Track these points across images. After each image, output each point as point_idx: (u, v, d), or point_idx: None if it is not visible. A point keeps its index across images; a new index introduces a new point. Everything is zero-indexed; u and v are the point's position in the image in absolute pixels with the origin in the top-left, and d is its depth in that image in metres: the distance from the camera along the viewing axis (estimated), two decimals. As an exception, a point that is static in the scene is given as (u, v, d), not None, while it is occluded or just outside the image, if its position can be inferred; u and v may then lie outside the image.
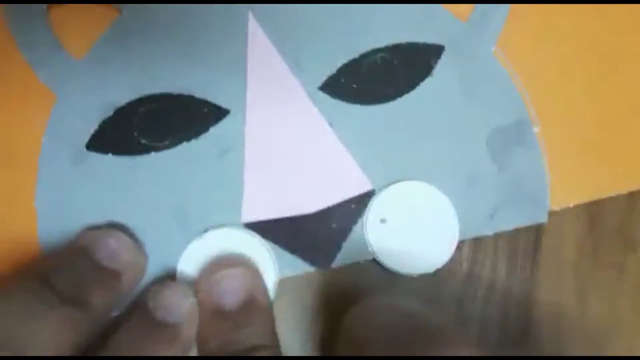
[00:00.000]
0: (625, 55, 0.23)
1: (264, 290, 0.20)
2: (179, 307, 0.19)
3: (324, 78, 0.22)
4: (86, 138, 0.20)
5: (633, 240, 0.22)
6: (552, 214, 0.22)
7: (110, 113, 0.21)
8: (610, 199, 0.22)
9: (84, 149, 0.20)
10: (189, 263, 0.20)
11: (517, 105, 0.22)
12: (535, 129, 0.22)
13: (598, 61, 0.23)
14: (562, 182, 0.22)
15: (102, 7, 0.21)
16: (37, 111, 0.20)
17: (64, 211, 0.20)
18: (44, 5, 0.20)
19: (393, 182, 0.21)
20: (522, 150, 0.22)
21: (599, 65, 0.23)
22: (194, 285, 0.20)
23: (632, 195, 0.22)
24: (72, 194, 0.20)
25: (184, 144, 0.21)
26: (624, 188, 0.23)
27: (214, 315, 0.19)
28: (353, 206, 0.21)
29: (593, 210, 0.22)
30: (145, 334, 0.18)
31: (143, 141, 0.21)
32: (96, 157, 0.20)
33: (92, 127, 0.21)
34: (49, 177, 0.20)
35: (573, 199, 0.22)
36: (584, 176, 0.22)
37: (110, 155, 0.21)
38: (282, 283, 0.21)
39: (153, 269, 0.20)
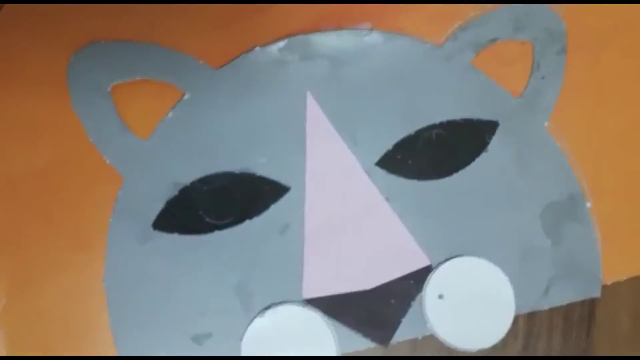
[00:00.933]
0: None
1: None
2: None
3: (380, 154, 0.22)
4: (152, 217, 0.21)
5: (684, 313, 0.23)
6: (605, 287, 0.22)
7: (176, 193, 0.21)
8: (662, 271, 0.23)
9: (151, 228, 0.21)
10: (253, 341, 0.21)
11: (570, 181, 0.23)
12: (588, 204, 0.22)
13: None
14: (615, 256, 0.22)
15: (166, 88, 0.21)
16: (105, 193, 0.21)
17: (132, 289, 0.21)
18: (109, 87, 0.21)
19: (450, 258, 0.22)
20: (575, 225, 0.22)
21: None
22: None
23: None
24: (140, 272, 0.21)
25: (246, 221, 0.21)
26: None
27: None
28: (411, 282, 0.22)
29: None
30: None
31: (207, 219, 0.21)
32: (162, 236, 0.21)
33: (158, 207, 0.21)
34: (117, 257, 0.21)
35: (626, 273, 0.22)
36: (635, 250, 0.23)
37: (176, 234, 0.21)
38: (343, 360, 0.21)
39: (216, 347, 0.21)
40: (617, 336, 0.22)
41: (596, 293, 0.22)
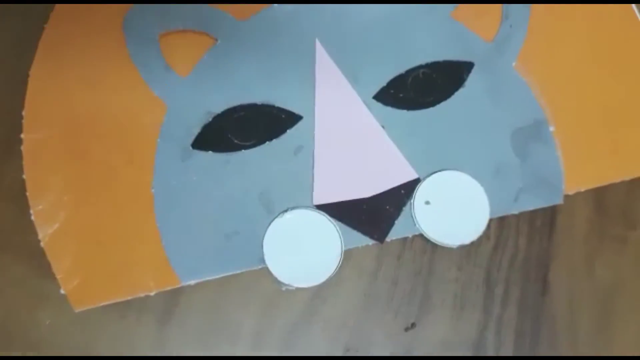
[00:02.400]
0: (629, 60, 0.27)
1: None
2: None
3: (377, 89, 0.26)
4: (191, 139, 0.25)
5: (633, 220, 0.26)
6: (565, 197, 0.26)
7: (210, 119, 0.25)
8: (615, 184, 0.26)
9: (190, 148, 0.25)
10: (273, 237, 0.25)
11: (535, 109, 0.26)
12: (551, 128, 0.26)
13: (604, 67, 0.27)
14: (574, 171, 0.26)
15: (202, 36, 0.26)
16: (153, 119, 0.25)
17: (175, 197, 0.25)
18: (156, 35, 0.25)
19: (435, 172, 0.25)
20: (540, 145, 0.26)
21: (605, 71, 0.27)
22: None
23: (632, 182, 0.26)
24: (181, 182, 0.25)
25: (267, 143, 0.25)
26: (626, 176, 0.26)
27: None
28: (402, 191, 0.25)
29: (600, 194, 0.26)
30: None
31: (235, 141, 0.25)
32: (199, 154, 0.25)
33: (196, 130, 0.25)
34: (163, 170, 0.25)
35: (584, 185, 0.26)
36: (592, 166, 0.26)
37: (210, 152, 0.25)
38: (347, 253, 0.25)
39: (243, 243, 0.25)
40: (574, 239, 0.26)
41: (558, 200, 0.26)
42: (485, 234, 0.25)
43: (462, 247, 0.25)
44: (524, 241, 0.26)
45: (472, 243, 0.25)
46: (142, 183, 0.25)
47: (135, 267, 0.24)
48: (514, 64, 0.27)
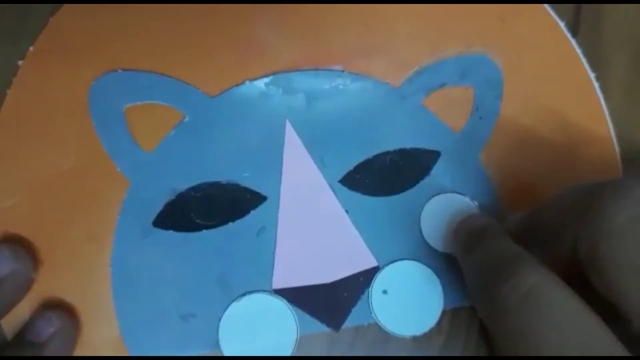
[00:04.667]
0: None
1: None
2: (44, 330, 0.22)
3: (343, 173, 0.25)
4: (153, 217, 0.24)
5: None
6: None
7: (173, 197, 0.24)
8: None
9: (151, 226, 0.24)
10: (229, 321, 0.24)
11: (492, 202, 0.26)
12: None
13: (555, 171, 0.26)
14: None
15: (170, 111, 0.24)
16: (115, 194, 0.24)
17: (132, 275, 0.24)
18: (123, 108, 0.24)
19: (394, 260, 0.25)
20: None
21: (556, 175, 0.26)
22: None
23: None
24: (140, 260, 0.24)
25: (229, 223, 0.25)
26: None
27: None
28: (361, 279, 0.25)
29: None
30: (15, 351, 0.22)
31: (197, 220, 0.24)
32: (160, 233, 0.24)
33: (158, 208, 0.24)
34: (122, 248, 0.24)
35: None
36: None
37: (171, 231, 0.24)
38: (301, 339, 0.24)
39: (198, 325, 0.24)
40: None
41: (510, 296, 0.26)
42: (437, 328, 0.25)
43: (415, 339, 0.25)
44: (473, 339, 0.26)
45: (425, 335, 0.25)
46: (101, 260, 0.24)
47: (88, 345, 0.23)
48: (479, 155, 0.26)
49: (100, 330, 0.23)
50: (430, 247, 0.25)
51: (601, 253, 0.18)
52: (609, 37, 0.28)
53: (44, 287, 0.24)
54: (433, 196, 0.26)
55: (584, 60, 0.27)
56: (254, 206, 0.25)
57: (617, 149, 0.26)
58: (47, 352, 0.22)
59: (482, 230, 0.23)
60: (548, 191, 0.26)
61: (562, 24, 0.27)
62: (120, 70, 0.24)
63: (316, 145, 0.25)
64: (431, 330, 0.25)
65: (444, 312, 0.25)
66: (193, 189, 0.24)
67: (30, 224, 0.24)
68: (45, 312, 0.23)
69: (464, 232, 0.24)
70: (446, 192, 0.26)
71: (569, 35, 0.27)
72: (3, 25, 0.24)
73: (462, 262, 0.23)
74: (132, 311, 0.24)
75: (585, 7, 0.27)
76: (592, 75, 0.27)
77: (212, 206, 0.25)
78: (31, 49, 0.24)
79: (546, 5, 0.27)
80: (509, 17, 0.27)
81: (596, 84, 0.27)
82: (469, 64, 0.26)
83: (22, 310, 0.23)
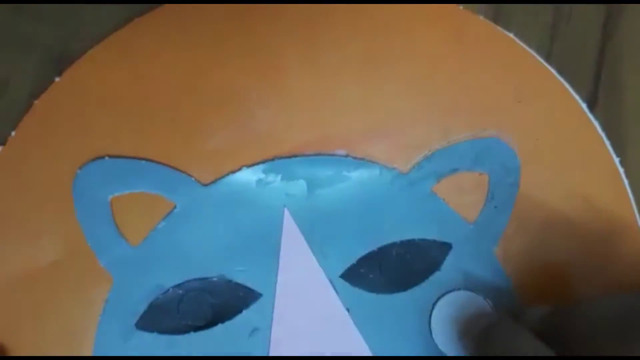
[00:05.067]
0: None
1: None
2: None
3: (345, 267, 0.23)
4: (136, 318, 0.22)
5: None
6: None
7: (159, 295, 0.22)
8: None
9: (134, 327, 0.22)
10: None
11: (510, 301, 0.24)
12: (527, 324, 0.24)
13: (587, 274, 0.24)
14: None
15: (160, 200, 0.23)
16: (97, 292, 0.22)
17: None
18: (108, 198, 0.22)
19: (399, 366, 0.23)
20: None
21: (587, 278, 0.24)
22: None
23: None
24: (121, 366, 0.22)
25: (219, 325, 0.22)
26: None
27: None
28: (363, 387, 0.23)
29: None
30: None
31: (183, 322, 0.22)
32: (143, 335, 0.22)
33: (142, 307, 0.22)
34: (103, 351, 0.22)
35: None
36: None
37: (155, 333, 0.22)
38: None
39: None
40: None
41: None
42: None
43: None
44: None
45: None
46: (79, 364, 0.22)
47: None
48: (494, 248, 0.24)
49: None
50: (441, 353, 0.23)
51: None
52: (629, 109, 0.26)
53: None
54: (444, 294, 0.24)
55: (607, 142, 0.25)
56: (247, 304, 0.23)
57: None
58: None
59: (495, 326, 0.21)
60: (573, 288, 0.24)
61: (583, 105, 0.25)
62: (107, 158, 0.22)
63: (316, 237, 0.23)
64: None
65: None
66: (180, 286, 0.22)
67: (2, 323, 0.22)
68: None
69: (476, 333, 0.22)
70: (458, 290, 0.24)
71: (590, 117, 0.25)
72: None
73: None
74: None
75: (604, 78, 0.25)
76: (616, 160, 0.25)
77: (201, 305, 0.22)
78: (13, 134, 0.22)
79: (564, 83, 0.25)
80: (525, 97, 0.25)
81: (621, 169, 0.25)
82: (483, 148, 0.24)
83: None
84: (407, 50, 0.24)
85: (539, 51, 0.25)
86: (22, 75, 0.23)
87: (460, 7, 0.24)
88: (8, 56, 0.23)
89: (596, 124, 0.25)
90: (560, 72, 0.25)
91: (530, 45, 0.25)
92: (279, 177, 0.23)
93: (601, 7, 0.26)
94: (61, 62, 0.23)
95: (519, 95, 0.25)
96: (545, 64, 0.25)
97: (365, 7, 0.24)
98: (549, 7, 0.25)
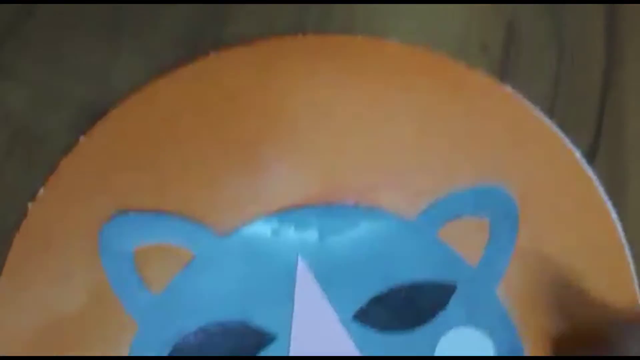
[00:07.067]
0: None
1: None
2: None
3: (356, 309, 0.24)
4: (160, 362, 0.23)
5: None
6: None
7: (180, 339, 0.23)
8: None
9: (158, 373, 0.23)
10: None
11: (512, 338, 0.24)
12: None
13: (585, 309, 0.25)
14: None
15: (180, 251, 0.23)
16: (122, 339, 0.23)
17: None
18: (133, 249, 0.23)
19: (408, 403, 0.24)
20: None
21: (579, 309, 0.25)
22: None
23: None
24: (146, 409, 0.23)
25: (237, 367, 0.24)
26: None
27: None
28: (375, 423, 0.24)
29: None
30: None
31: (205, 365, 0.23)
32: (166, 379, 0.23)
33: (165, 352, 0.23)
34: (127, 395, 0.23)
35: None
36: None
37: (180, 378, 0.23)
38: None
39: None
40: None
41: None
42: None
43: None
44: None
45: None
46: (106, 407, 0.23)
47: None
48: (497, 287, 0.25)
49: None
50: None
51: None
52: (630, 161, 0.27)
53: None
54: (448, 331, 0.25)
55: (603, 195, 0.25)
56: (263, 346, 0.23)
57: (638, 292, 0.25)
58: None
59: None
60: (571, 325, 0.25)
61: (577, 153, 0.26)
62: (131, 212, 0.23)
63: (329, 281, 0.24)
64: None
65: None
66: (201, 329, 0.23)
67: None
68: None
69: None
70: (462, 327, 0.25)
71: (585, 167, 0.26)
72: (13, 165, 0.24)
73: None
74: None
75: (604, 132, 0.26)
76: (613, 212, 0.25)
77: (220, 348, 0.23)
78: (42, 190, 0.23)
79: (560, 134, 0.26)
80: (524, 147, 0.26)
81: (619, 226, 0.25)
82: (484, 194, 0.25)
83: None
84: (409, 104, 0.25)
85: (543, 100, 0.26)
86: (58, 129, 0.24)
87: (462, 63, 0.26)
88: (45, 111, 0.24)
89: (593, 176, 0.26)
90: (563, 121, 0.26)
91: (534, 95, 0.26)
92: (292, 226, 0.24)
93: (602, 54, 0.27)
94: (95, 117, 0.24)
95: (517, 145, 0.26)
96: (542, 116, 0.26)
97: (369, 61, 0.25)
98: (553, 56, 0.26)
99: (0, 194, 0.24)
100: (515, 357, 0.22)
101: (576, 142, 0.25)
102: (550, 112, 0.25)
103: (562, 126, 0.25)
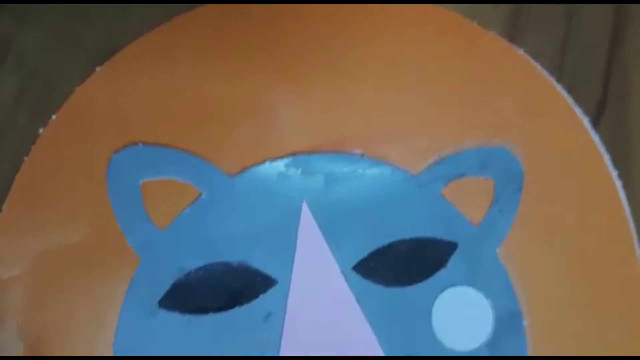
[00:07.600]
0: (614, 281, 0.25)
1: None
2: None
3: (357, 260, 0.24)
4: (159, 297, 0.23)
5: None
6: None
7: (181, 276, 0.23)
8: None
9: (156, 306, 0.23)
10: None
11: (511, 300, 0.24)
12: (525, 322, 0.24)
13: (586, 276, 0.25)
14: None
15: (186, 187, 0.24)
16: (124, 271, 0.23)
17: (136, 354, 0.22)
18: (140, 182, 0.23)
19: (404, 357, 0.24)
20: (511, 339, 0.24)
21: (587, 281, 0.25)
22: None
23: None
24: (142, 343, 0.22)
25: (237, 307, 0.23)
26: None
27: None
28: (367, 371, 0.24)
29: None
30: None
31: (203, 303, 0.23)
32: (165, 314, 0.23)
33: (165, 288, 0.23)
34: (125, 328, 0.22)
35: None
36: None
37: (176, 312, 0.23)
38: None
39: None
40: None
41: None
42: None
43: None
44: None
45: None
46: (103, 340, 0.22)
47: None
48: (497, 249, 0.25)
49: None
50: (441, 344, 0.24)
51: None
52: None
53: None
54: (446, 289, 0.25)
55: (606, 157, 0.26)
56: (264, 290, 0.23)
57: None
58: None
59: None
60: (569, 290, 0.25)
61: (585, 120, 0.26)
62: (141, 144, 0.23)
63: (331, 229, 0.24)
64: None
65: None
66: (202, 268, 0.23)
67: (31, 298, 0.22)
68: None
69: None
70: (460, 286, 0.25)
71: (592, 134, 0.26)
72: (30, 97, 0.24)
73: None
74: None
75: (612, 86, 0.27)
76: (614, 174, 0.26)
77: (221, 288, 0.23)
78: (53, 117, 0.23)
79: (570, 100, 0.26)
80: (531, 110, 0.26)
81: (620, 188, 0.26)
82: (489, 155, 0.25)
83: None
84: (421, 61, 0.26)
85: (552, 61, 0.26)
86: (72, 70, 0.24)
87: (475, 23, 0.26)
88: (59, 54, 0.25)
89: (597, 139, 0.26)
90: (570, 83, 0.26)
91: (543, 58, 0.26)
92: (299, 171, 0.24)
93: (610, 16, 0.27)
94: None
95: (525, 108, 0.26)
96: (552, 81, 0.26)
97: (384, 14, 0.25)
98: (561, 20, 0.27)
99: (11, 137, 0.24)
100: (515, 357, 0.22)
101: (584, 99, 0.25)
102: (560, 71, 0.25)
103: (570, 85, 0.25)
